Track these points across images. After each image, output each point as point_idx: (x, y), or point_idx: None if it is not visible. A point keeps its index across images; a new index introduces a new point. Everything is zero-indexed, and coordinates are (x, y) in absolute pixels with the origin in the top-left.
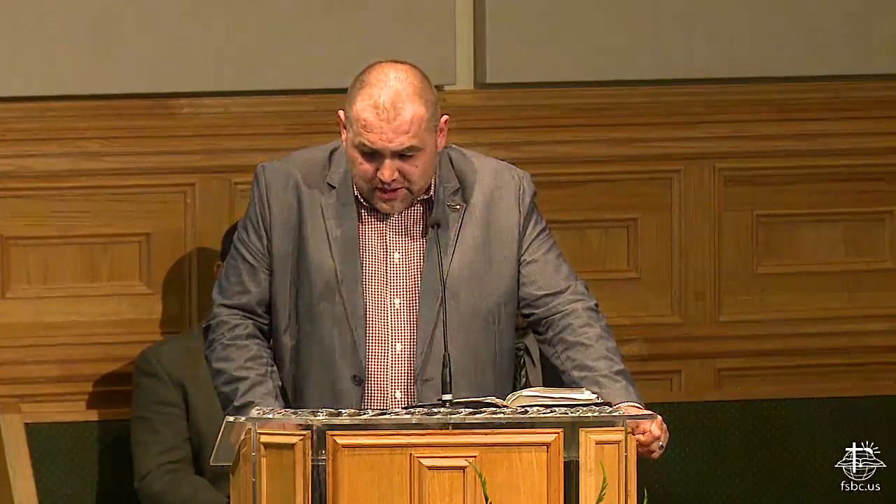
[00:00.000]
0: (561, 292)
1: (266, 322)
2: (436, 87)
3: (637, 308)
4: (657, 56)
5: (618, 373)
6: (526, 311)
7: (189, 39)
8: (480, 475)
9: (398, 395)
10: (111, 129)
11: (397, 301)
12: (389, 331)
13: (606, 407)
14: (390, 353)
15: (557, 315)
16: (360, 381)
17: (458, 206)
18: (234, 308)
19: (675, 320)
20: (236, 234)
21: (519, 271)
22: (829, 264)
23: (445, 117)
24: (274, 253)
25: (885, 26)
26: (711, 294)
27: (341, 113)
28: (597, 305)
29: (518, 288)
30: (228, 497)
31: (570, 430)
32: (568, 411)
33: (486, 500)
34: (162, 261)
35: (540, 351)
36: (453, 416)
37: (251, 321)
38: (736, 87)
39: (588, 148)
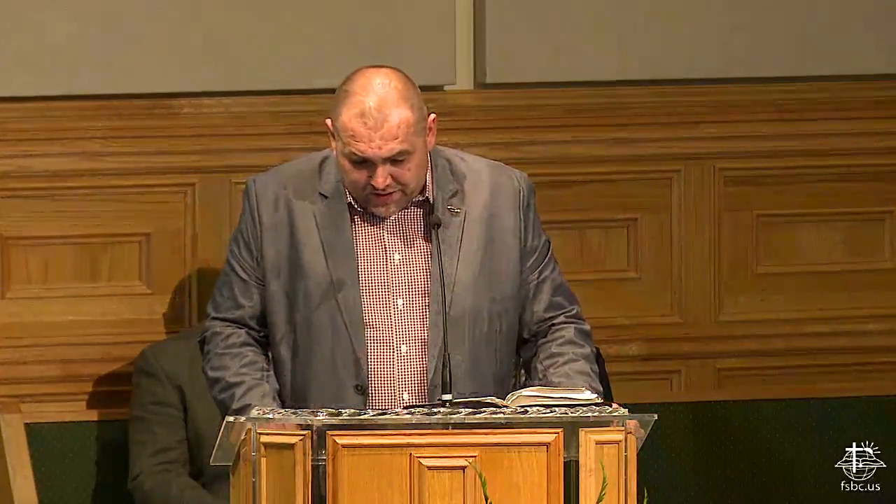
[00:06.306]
0: (563, 312)
1: (261, 334)
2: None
3: (637, 308)
4: (657, 56)
5: (583, 375)
6: (526, 327)
7: (189, 39)
8: (480, 475)
9: (406, 396)
10: (111, 129)
11: (400, 302)
12: (393, 333)
13: (606, 407)
14: (395, 355)
15: (552, 327)
16: (362, 389)
17: (458, 210)
18: (227, 321)
19: (675, 320)
20: (229, 248)
21: (526, 285)
22: (829, 264)
23: (433, 116)
24: (266, 266)
25: (885, 26)
26: (711, 294)
27: (328, 122)
28: (590, 330)
29: (524, 300)
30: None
31: (570, 430)
32: (568, 411)
33: (486, 500)
34: (162, 261)
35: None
36: (453, 416)
37: (244, 330)
38: (736, 87)
39: (588, 148)
